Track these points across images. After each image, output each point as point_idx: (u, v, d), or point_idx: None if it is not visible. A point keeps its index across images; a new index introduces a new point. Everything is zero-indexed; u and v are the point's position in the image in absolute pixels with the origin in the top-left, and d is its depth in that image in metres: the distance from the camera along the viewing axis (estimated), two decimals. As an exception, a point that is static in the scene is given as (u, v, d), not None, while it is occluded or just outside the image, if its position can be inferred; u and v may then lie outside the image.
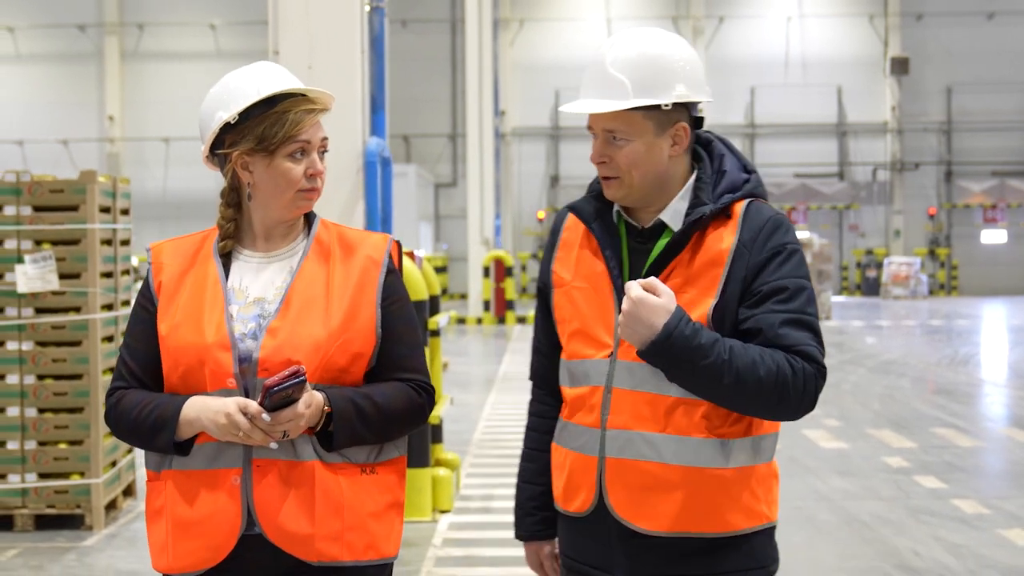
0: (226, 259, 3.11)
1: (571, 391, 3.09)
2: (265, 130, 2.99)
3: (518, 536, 3.29)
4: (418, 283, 8.35)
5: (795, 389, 2.83)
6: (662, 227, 3.01)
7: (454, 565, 7.29)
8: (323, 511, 2.96)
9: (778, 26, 39.51)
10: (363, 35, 8.73)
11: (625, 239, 3.06)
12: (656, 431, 2.93)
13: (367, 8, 8.87)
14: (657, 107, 2.94)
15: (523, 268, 38.87)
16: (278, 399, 2.83)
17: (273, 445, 2.92)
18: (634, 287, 2.83)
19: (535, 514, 3.24)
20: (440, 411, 8.99)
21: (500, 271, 27.50)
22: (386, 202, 9.17)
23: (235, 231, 3.11)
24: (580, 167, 38.72)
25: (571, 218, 3.16)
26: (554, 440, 3.17)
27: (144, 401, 3.02)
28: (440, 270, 35.92)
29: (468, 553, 7.54)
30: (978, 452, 11.08)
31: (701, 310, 2.91)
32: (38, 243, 8.17)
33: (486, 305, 27.66)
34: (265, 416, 2.85)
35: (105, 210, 8.41)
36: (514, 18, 39.59)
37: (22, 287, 8.10)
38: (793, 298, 2.89)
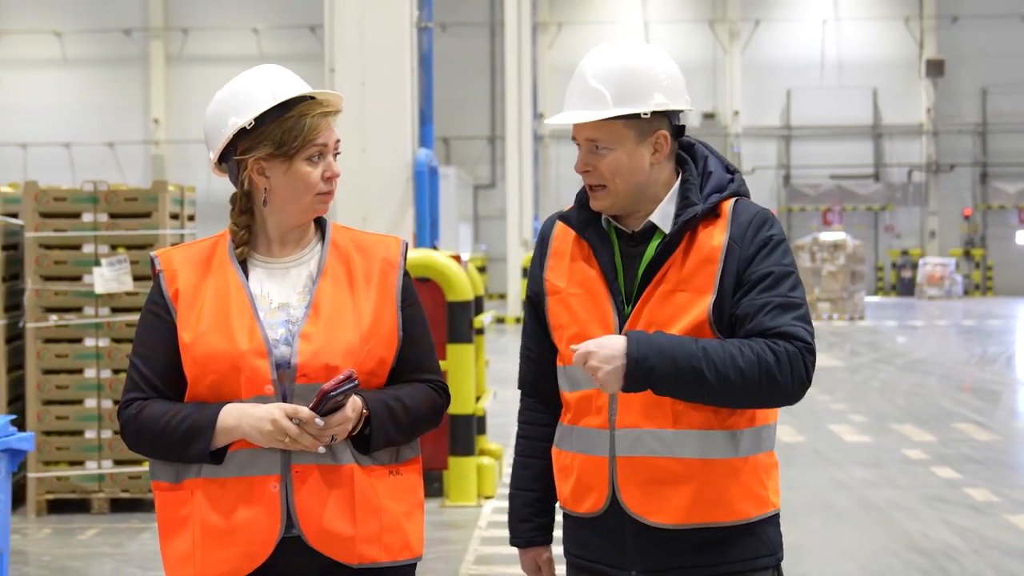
0: (242, 265, 3.07)
1: (573, 395, 3.13)
2: (284, 135, 2.98)
3: (514, 543, 3.30)
4: (464, 285, 8.97)
5: (782, 372, 2.92)
6: (652, 230, 3.09)
7: (498, 544, 7.91)
8: (363, 513, 2.98)
9: (814, 29, 39.80)
10: (412, 53, 9.37)
11: (616, 244, 3.12)
12: (666, 427, 3.00)
13: (416, 28, 9.49)
14: (637, 116, 3.02)
15: (561, 268, 39.34)
16: (332, 404, 2.86)
17: (321, 450, 2.92)
18: (577, 350, 2.92)
19: (531, 520, 3.27)
20: (484, 404, 9.61)
21: (538, 272, 27.99)
22: (433, 208, 9.81)
23: (248, 237, 3.08)
24: (617, 169, 39.26)
25: (559, 227, 3.23)
26: (555, 446, 3.21)
27: (170, 411, 2.97)
28: (479, 271, 36.49)
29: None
30: (995, 446, 11.61)
31: (700, 308, 2.99)
32: (113, 247, 8.84)
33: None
34: (319, 421, 2.87)
35: (174, 216, 9.08)
36: (552, 21, 40.02)
37: (99, 288, 8.78)
38: (777, 284, 2.99)
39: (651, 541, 3.03)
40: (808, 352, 2.96)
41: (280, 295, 3.05)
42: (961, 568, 7.34)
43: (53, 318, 8.83)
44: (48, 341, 8.84)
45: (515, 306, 28.46)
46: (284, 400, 2.94)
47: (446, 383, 3.19)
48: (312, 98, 3.04)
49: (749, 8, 39.94)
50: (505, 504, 8.97)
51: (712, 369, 2.89)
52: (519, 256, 28.40)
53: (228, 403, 2.94)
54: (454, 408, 8.85)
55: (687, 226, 3.03)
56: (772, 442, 3.14)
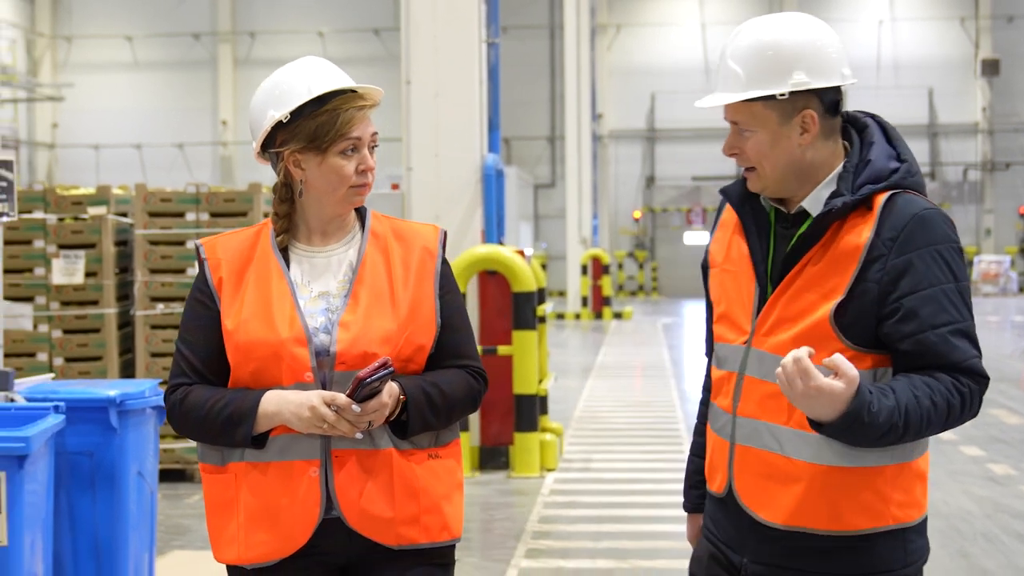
0: (283, 254, 3.10)
1: (715, 372, 3.07)
2: (317, 129, 3.00)
3: (685, 507, 3.29)
4: (528, 277, 9.91)
5: (963, 412, 2.79)
6: (805, 214, 2.91)
7: (559, 508, 8.85)
8: (401, 496, 3.03)
9: (870, 29, 40.21)
10: (481, 67, 10.32)
11: (774, 224, 2.97)
12: (780, 423, 2.88)
13: (485, 44, 10.43)
14: (774, 97, 2.84)
15: (620, 266, 40.03)
16: (368, 391, 2.91)
17: (359, 435, 2.97)
18: (815, 375, 2.64)
19: (700, 487, 3.20)
20: (547, 385, 10.55)
21: (597, 269, 28.71)
22: (500, 208, 10.74)
23: (289, 226, 3.11)
24: (675, 168, 39.87)
25: None
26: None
27: (214, 397, 3.02)
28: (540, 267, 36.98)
29: (570, 500, 9.11)
30: (1023, 429, 12.41)
31: (823, 310, 2.82)
32: (214, 243, 9.84)
33: (584, 301, 28.89)
34: (355, 408, 2.91)
35: (267, 215, 10.07)
36: (611, 23, 40.62)
37: (201, 280, 9.79)
38: (946, 308, 2.77)
39: (762, 535, 2.96)
40: (986, 386, 2.84)
41: (320, 284, 3.09)
42: (972, 528, 8.22)
43: (160, 307, 9.86)
44: (155, 327, 9.86)
45: (575, 302, 29.23)
46: (324, 387, 3.00)
47: (483, 369, 3.21)
48: (352, 91, 3.06)
49: (806, 8, 40.35)
50: (565, 476, 10.02)
51: (908, 435, 2.77)
52: (578, 254, 29.11)
53: (270, 389, 3.00)
54: (519, 388, 9.81)
55: (827, 219, 2.83)
56: (912, 451, 2.91)
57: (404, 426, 3.03)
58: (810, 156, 2.88)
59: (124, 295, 10.06)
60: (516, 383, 9.82)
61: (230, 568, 3.11)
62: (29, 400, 5.21)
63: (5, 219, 5.32)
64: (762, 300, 2.92)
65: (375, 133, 3.08)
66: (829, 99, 2.89)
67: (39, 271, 9.73)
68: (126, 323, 10.06)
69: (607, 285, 28.89)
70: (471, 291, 9.94)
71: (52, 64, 39.72)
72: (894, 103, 39.63)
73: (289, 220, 3.11)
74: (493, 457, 10.04)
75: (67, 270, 9.74)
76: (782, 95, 2.83)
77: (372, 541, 3.02)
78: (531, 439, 9.93)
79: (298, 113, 3.00)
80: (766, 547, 2.95)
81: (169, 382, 3.10)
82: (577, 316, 28.86)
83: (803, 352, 2.66)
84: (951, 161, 40.54)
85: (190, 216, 9.87)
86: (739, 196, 3.00)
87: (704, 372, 3.23)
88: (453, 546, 3.16)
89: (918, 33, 40.22)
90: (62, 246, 9.77)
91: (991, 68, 39.47)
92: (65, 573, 5.38)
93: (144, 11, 39.46)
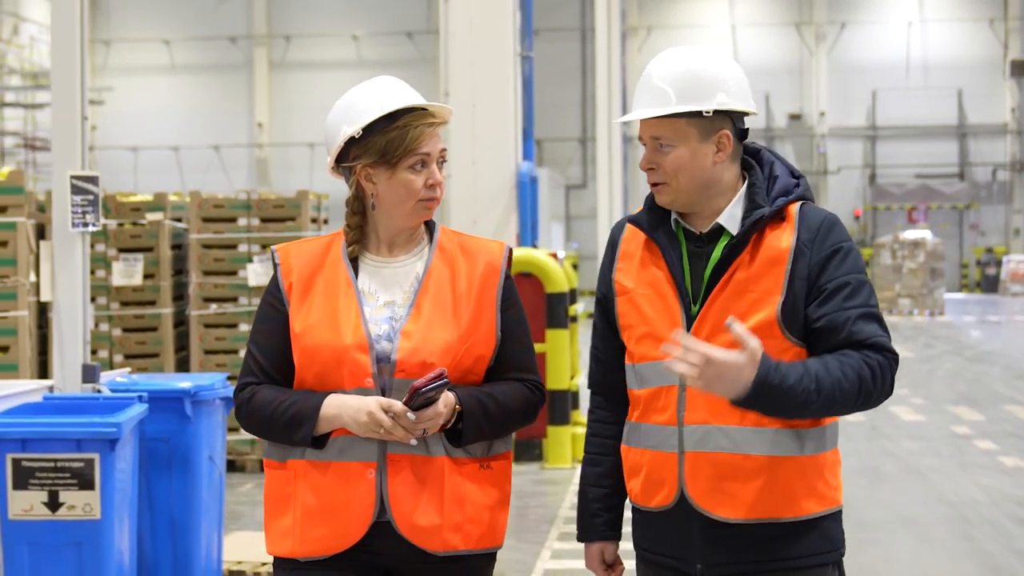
0: (352, 263, 3.21)
1: (642, 392, 3.17)
2: (387, 144, 3.12)
3: (582, 539, 3.35)
4: (561, 278, 10.46)
5: (876, 386, 2.98)
6: (720, 231, 3.12)
7: (590, 497, 9.36)
8: (450, 504, 3.12)
9: (899, 31, 40.38)
10: (516, 78, 10.86)
11: (684, 245, 3.17)
12: (733, 424, 3.04)
13: (519, 56, 10.97)
14: (700, 114, 3.07)
15: (650, 266, 40.11)
16: (423, 400, 3.01)
17: (413, 442, 3.07)
18: (703, 346, 2.88)
19: (601, 515, 3.31)
20: (578, 381, 11.09)
21: (628, 269, 29.01)
22: (533, 212, 11.29)
23: (360, 237, 3.22)
24: (705, 169, 40.13)
25: (629, 230, 3.26)
26: (624, 443, 3.25)
27: (279, 397, 3.13)
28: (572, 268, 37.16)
29: (601, 489, 9.62)
30: (1038, 424, 12.94)
31: (768, 309, 3.03)
32: (264, 247, 10.43)
33: (614, 301, 29.12)
34: (410, 415, 3.01)
35: (313, 220, 10.66)
36: (642, 26, 40.83)
37: (252, 281, 10.39)
38: (857, 293, 3.03)
39: (716, 536, 3.09)
40: (895, 363, 3.06)
41: (387, 293, 3.19)
42: (979, 515, 8.72)
43: (213, 307, 10.45)
44: (208, 326, 10.46)
45: (605, 302, 29.43)
46: (383, 393, 3.10)
47: (543, 383, 3.30)
48: (422, 109, 3.18)
49: (835, 11, 40.66)
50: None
51: (822, 400, 2.96)
52: (609, 254, 29.32)
53: (332, 392, 3.11)
54: (552, 384, 10.34)
55: (754, 228, 3.07)
56: (836, 440, 3.21)
57: (459, 435, 3.13)
58: (719, 174, 3.12)
59: (179, 296, 10.66)
60: (549, 379, 10.34)
61: (279, 560, 3.20)
62: (113, 391, 5.79)
63: (91, 228, 5.89)
64: (688, 313, 3.10)
65: (444, 149, 3.21)
66: (740, 126, 3.16)
67: (100, 273, 10.33)
68: (181, 322, 10.65)
69: (637, 285, 29.05)
70: (507, 291, 10.44)
71: (91, 68, 39.99)
72: (923, 104, 39.88)
73: (361, 232, 3.23)
74: (527, 449, 10.58)
75: (126, 272, 10.34)
76: (707, 113, 3.07)
77: (420, 548, 3.11)
78: (563, 432, 10.47)
79: (370, 129, 3.14)
80: (719, 547, 3.09)
81: (238, 380, 3.24)
82: (608, 315, 29.11)
83: (701, 344, 2.89)
84: (980, 162, 40.75)
85: (241, 221, 10.45)
86: (651, 223, 3.19)
87: (591, 407, 3.36)
88: (493, 555, 3.25)
89: (947, 34, 40.39)
90: (122, 250, 10.38)
91: (1020, 69, 39.66)
92: (145, 549, 5.96)
93: (181, 15, 39.74)
